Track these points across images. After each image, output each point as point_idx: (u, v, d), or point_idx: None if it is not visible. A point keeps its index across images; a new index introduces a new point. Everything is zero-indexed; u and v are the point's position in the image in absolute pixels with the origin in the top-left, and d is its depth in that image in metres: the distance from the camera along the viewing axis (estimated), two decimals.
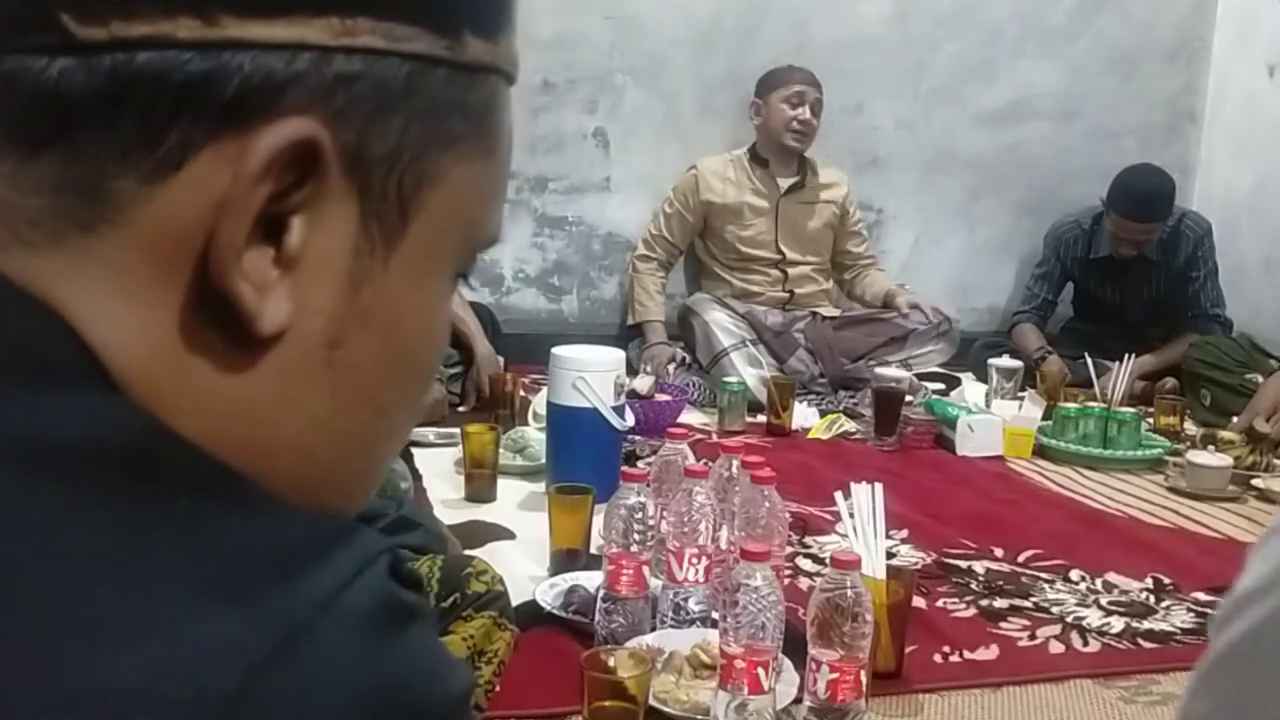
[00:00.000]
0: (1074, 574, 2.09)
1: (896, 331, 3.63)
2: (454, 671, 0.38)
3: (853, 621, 1.40)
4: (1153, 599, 1.99)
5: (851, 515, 1.67)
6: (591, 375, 2.28)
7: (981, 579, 2.05)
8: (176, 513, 0.35)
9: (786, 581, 1.87)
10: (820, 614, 1.41)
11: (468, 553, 1.76)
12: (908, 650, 1.65)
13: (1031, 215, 4.19)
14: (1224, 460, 2.71)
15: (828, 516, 2.26)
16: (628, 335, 3.71)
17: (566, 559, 1.91)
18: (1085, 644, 1.80)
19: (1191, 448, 2.88)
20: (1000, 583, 2.03)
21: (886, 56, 4.05)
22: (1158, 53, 4.31)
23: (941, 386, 3.49)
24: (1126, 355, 3.27)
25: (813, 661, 1.42)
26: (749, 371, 3.32)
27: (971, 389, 3.47)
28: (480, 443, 2.38)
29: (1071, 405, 3.10)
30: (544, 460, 2.42)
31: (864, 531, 1.64)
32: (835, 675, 1.40)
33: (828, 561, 1.50)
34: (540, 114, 3.74)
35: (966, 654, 1.73)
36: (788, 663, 1.51)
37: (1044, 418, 3.08)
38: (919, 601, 1.83)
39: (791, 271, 3.74)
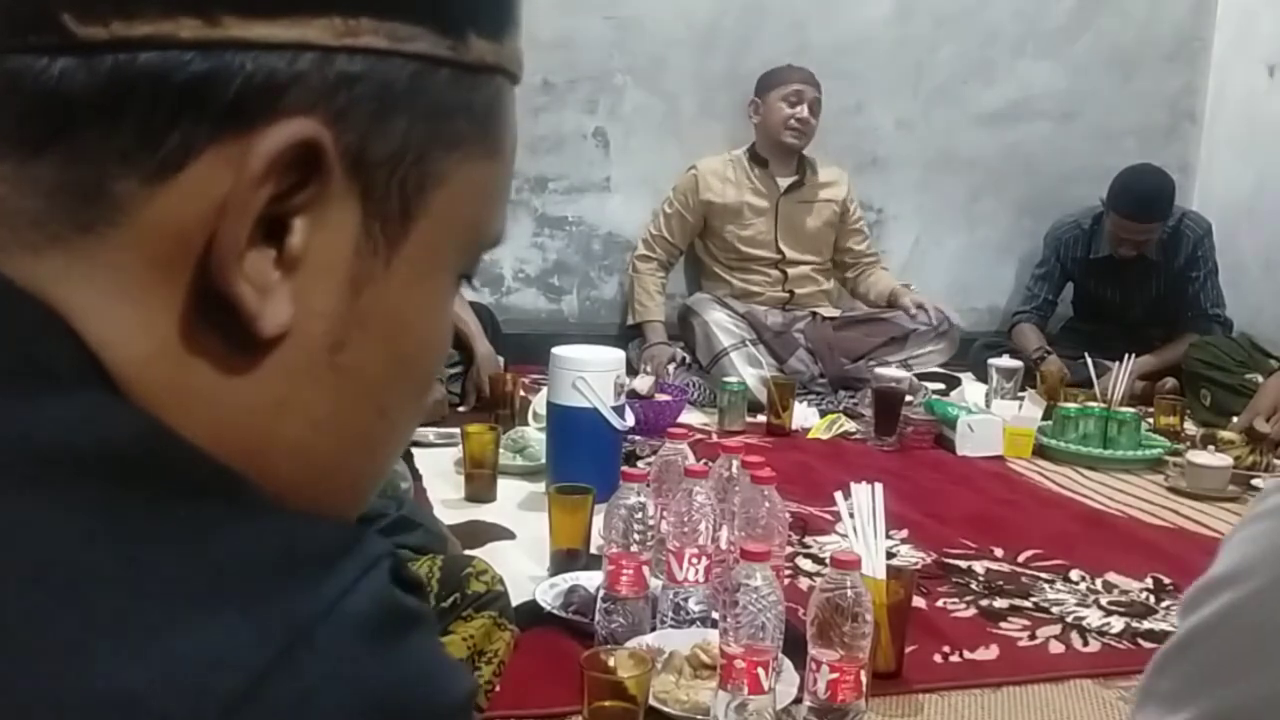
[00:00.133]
0: (1074, 574, 2.09)
1: (896, 331, 3.64)
2: (456, 677, 0.37)
3: (853, 621, 1.40)
4: (1153, 599, 1.99)
5: (851, 515, 1.67)
6: (591, 375, 2.28)
7: (981, 579, 2.05)
8: (177, 517, 0.34)
9: (786, 581, 1.87)
10: (820, 614, 1.41)
11: (468, 553, 1.76)
12: (908, 650, 1.65)
13: (1031, 215, 4.19)
14: (1224, 460, 2.71)
15: (828, 516, 2.26)
16: (628, 335, 3.71)
17: (566, 559, 1.91)
18: (1085, 644, 1.80)
19: (1191, 448, 2.88)
20: (1000, 583, 2.03)
21: (886, 56, 4.05)
22: (1158, 53, 4.31)
23: (941, 386, 3.49)
24: (1126, 355, 3.28)
25: (813, 661, 1.42)
26: (749, 371, 3.32)
27: (971, 389, 3.47)
28: (480, 443, 2.38)
29: (1071, 405, 3.10)
30: (544, 460, 2.42)
31: (864, 531, 1.64)
32: (835, 675, 1.40)
33: (828, 561, 1.50)
34: (540, 114, 3.73)
35: (966, 654, 1.73)
36: (788, 663, 1.51)
37: (1044, 418, 3.08)
38: (919, 601, 1.83)
39: (791, 271, 3.74)
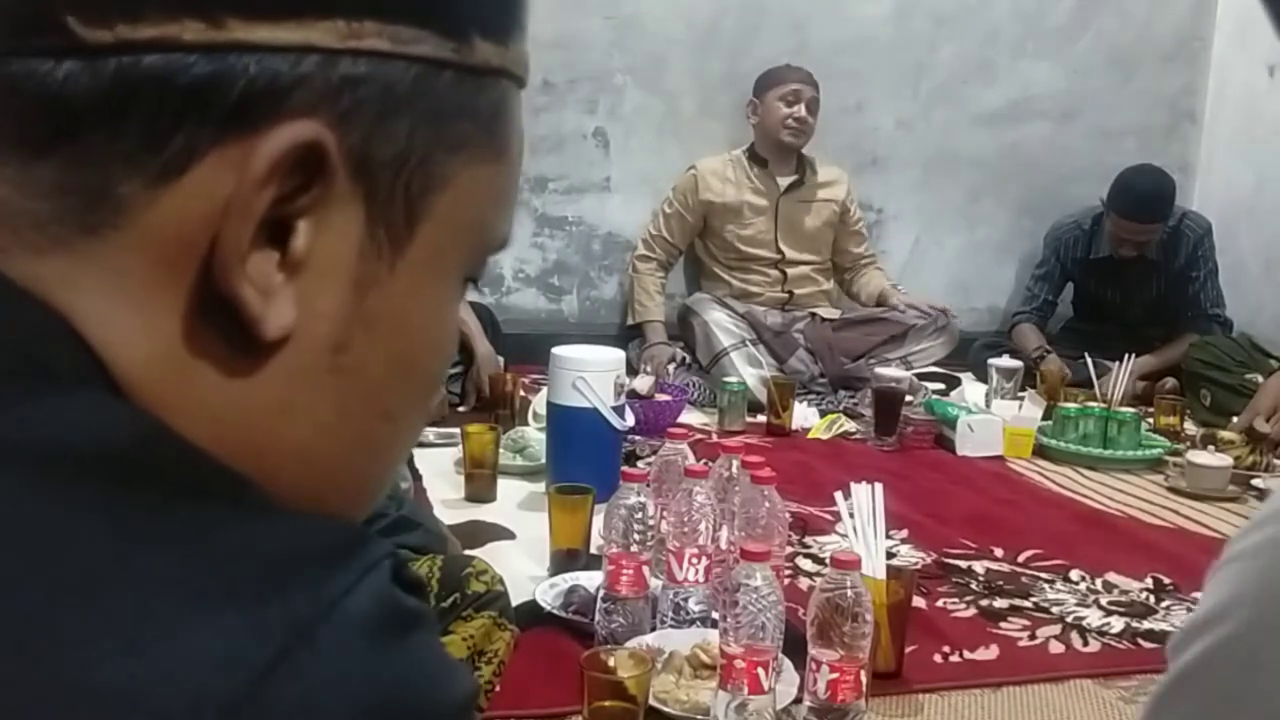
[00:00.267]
0: (1074, 574, 2.09)
1: (896, 329, 3.64)
2: (457, 677, 0.37)
3: (853, 621, 1.40)
4: (1153, 599, 1.99)
5: (851, 515, 1.67)
6: (591, 375, 2.28)
7: (981, 579, 2.05)
8: (178, 517, 0.34)
9: (786, 581, 1.87)
10: (820, 614, 1.41)
11: (468, 553, 1.76)
12: (908, 650, 1.65)
13: (1031, 215, 4.20)
14: (1224, 460, 2.71)
15: (828, 516, 2.26)
16: (628, 335, 3.71)
17: (566, 559, 1.91)
18: (1085, 644, 1.80)
19: (1191, 448, 2.88)
20: (1000, 583, 2.03)
21: (886, 56, 4.06)
22: (1158, 53, 4.31)
23: (941, 386, 3.49)
24: (1126, 355, 3.28)
25: (813, 661, 1.42)
26: (749, 371, 3.32)
27: (971, 389, 3.47)
28: (480, 443, 2.38)
29: (1071, 405, 3.10)
30: (544, 460, 2.42)
31: (864, 531, 1.64)
32: (835, 675, 1.40)
33: (828, 561, 1.50)
34: (540, 114, 3.73)
35: (966, 654, 1.73)
36: (788, 663, 1.51)
37: (1044, 418, 3.08)
38: (919, 601, 1.83)
39: (791, 271, 3.74)
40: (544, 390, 2.51)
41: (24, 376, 0.36)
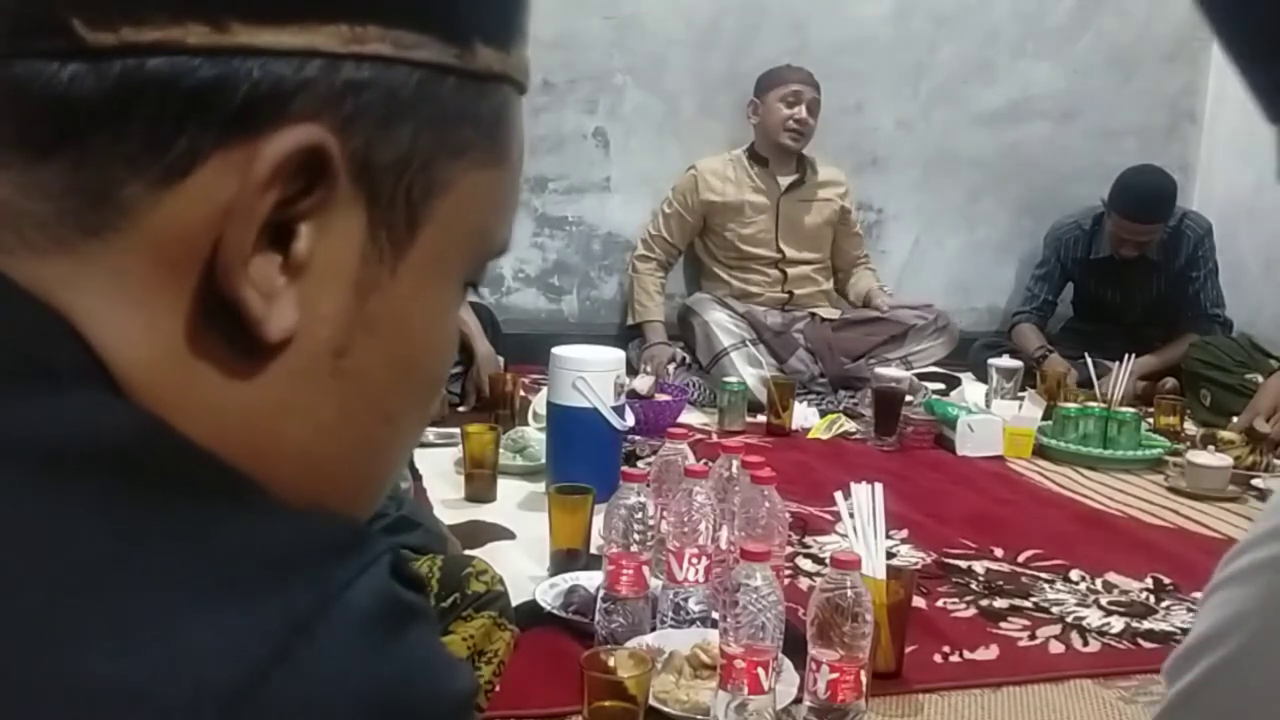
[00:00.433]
0: (1074, 574, 2.09)
1: (896, 329, 3.65)
2: (456, 673, 0.37)
3: (853, 621, 1.40)
4: (1153, 599, 1.99)
5: (851, 515, 1.67)
6: (591, 375, 2.28)
7: (981, 579, 2.05)
8: (178, 513, 0.35)
9: (786, 581, 1.87)
10: (820, 614, 1.41)
11: (468, 553, 1.76)
12: (908, 650, 1.65)
13: (1031, 215, 4.20)
14: (1224, 460, 2.71)
15: (828, 516, 2.26)
16: (628, 335, 3.72)
17: (566, 559, 1.92)
18: (1085, 644, 1.80)
19: (1191, 448, 2.88)
20: (1000, 583, 2.03)
21: (886, 56, 4.06)
22: (1158, 53, 4.31)
23: (941, 386, 3.50)
24: (1126, 355, 3.28)
25: (813, 661, 1.42)
26: (749, 371, 3.32)
27: (971, 389, 3.47)
28: (480, 443, 2.38)
29: (1071, 405, 3.10)
30: (544, 460, 2.42)
31: (864, 531, 1.65)
32: (835, 675, 1.40)
33: (828, 561, 1.50)
34: (540, 114, 3.74)
35: (966, 654, 1.74)
36: (788, 663, 1.51)
37: (1044, 418, 3.08)
38: (919, 601, 1.83)
39: (791, 271, 3.74)
40: (544, 390, 2.51)
41: (25, 376, 0.36)
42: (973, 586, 2.01)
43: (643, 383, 2.96)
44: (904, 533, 2.25)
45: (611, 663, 1.43)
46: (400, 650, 0.35)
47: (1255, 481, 2.70)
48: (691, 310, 3.57)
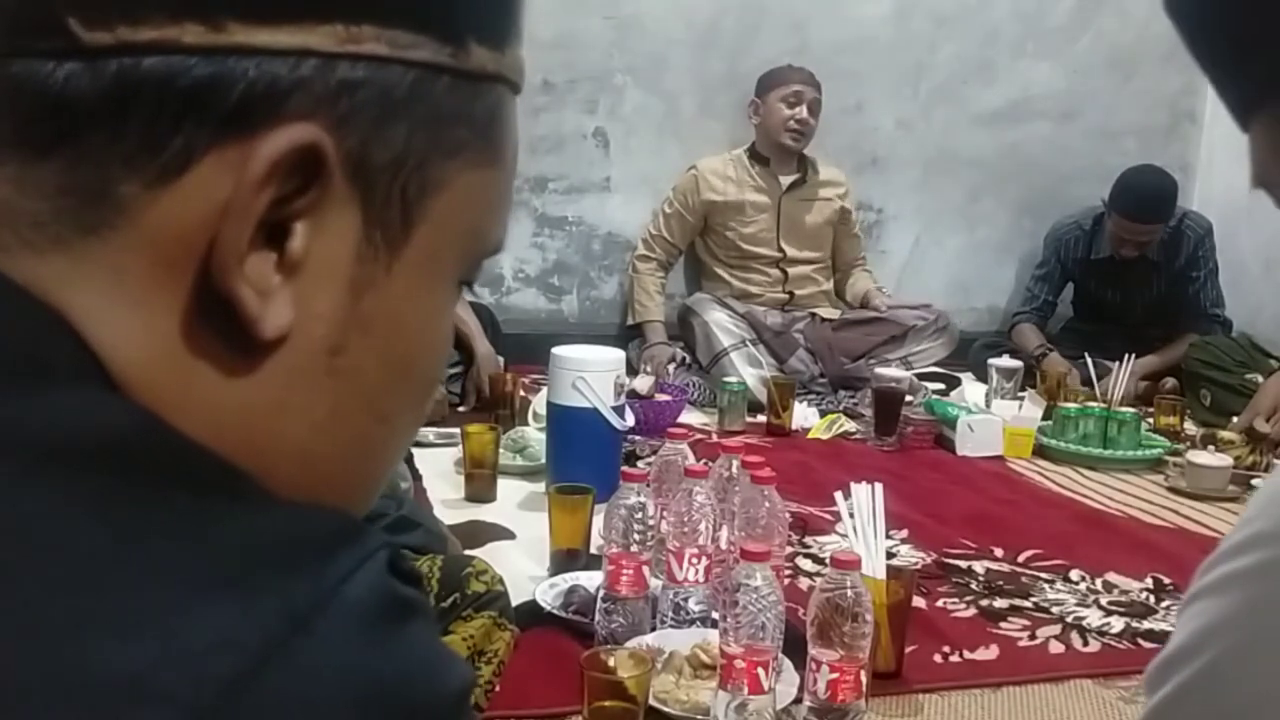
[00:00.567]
0: (1074, 574, 2.09)
1: (895, 330, 3.65)
2: (453, 667, 0.38)
3: (853, 621, 1.40)
4: (1153, 599, 1.99)
5: (851, 515, 1.67)
6: (591, 375, 2.28)
7: (981, 579, 2.05)
8: (176, 509, 0.35)
9: (786, 581, 1.87)
10: (820, 614, 1.41)
11: (468, 553, 1.76)
12: (908, 650, 1.65)
13: (1031, 215, 4.20)
14: (1224, 460, 2.71)
15: (828, 516, 2.26)
16: (628, 335, 3.72)
17: (566, 559, 1.92)
18: (1085, 644, 1.80)
19: (1191, 448, 2.88)
20: (1000, 583, 2.03)
21: (886, 56, 4.06)
22: (1158, 53, 4.31)
23: (941, 386, 3.50)
24: (1126, 356, 3.28)
25: (813, 661, 1.42)
26: (749, 371, 3.32)
27: (971, 389, 3.47)
28: (480, 443, 2.38)
29: (1071, 405, 3.10)
30: (544, 460, 2.42)
31: (864, 531, 1.65)
32: (835, 675, 1.40)
33: (828, 561, 1.50)
34: (540, 114, 3.74)
35: (966, 654, 1.74)
36: (788, 663, 1.51)
37: (1044, 418, 3.08)
38: (919, 601, 1.83)
39: (791, 271, 3.74)
40: (544, 390, 2.51)
41: (23, 374, 0.36)
42: (973, 586, 2.01)
43: (643, 383, 2.96)
44: (904, 533, 2.25)
45: (611, 663, 1.43)
46: (397, 645, 0.35)
47: (1255, 481, 2.70)
48: (691, 310, 3.57)
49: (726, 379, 3.17)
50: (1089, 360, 3.37)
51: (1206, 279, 3.77)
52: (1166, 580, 2.07)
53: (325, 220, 0.39)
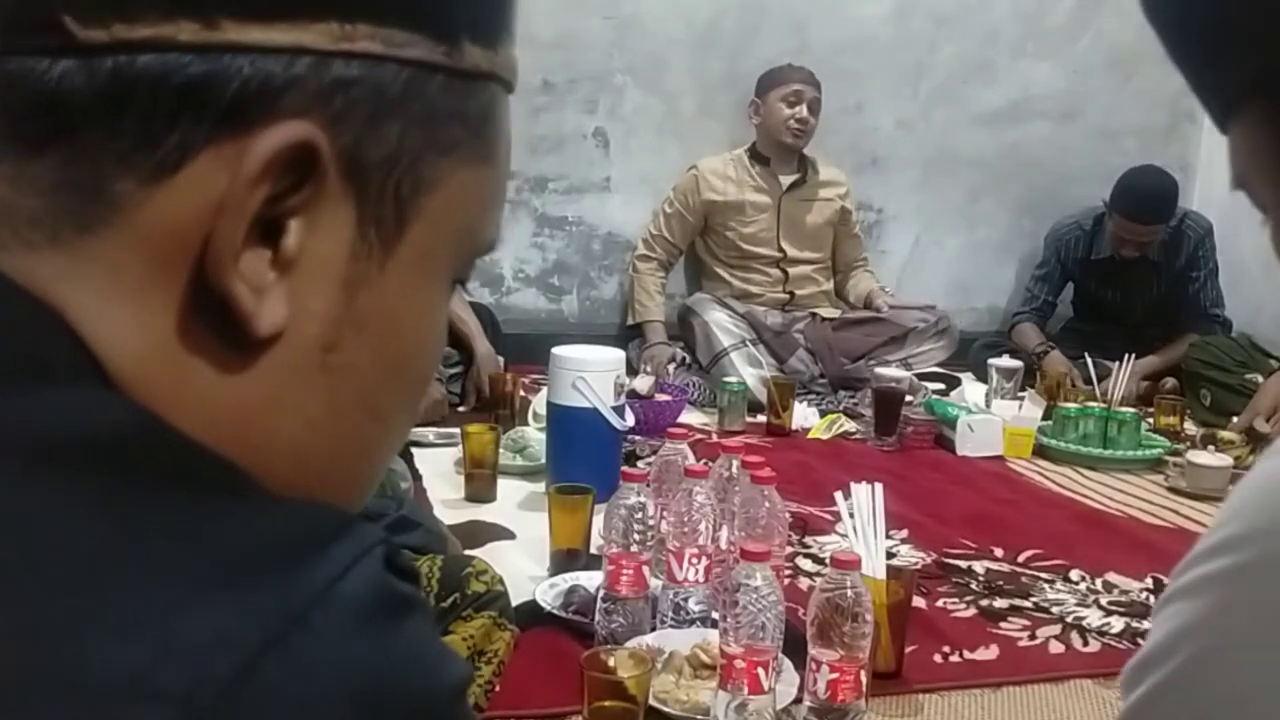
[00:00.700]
0: (1074, 574, 2.09)
1: (896, 331, 3.65)
2: (450, 663, 0.38)
3: (853, 621, 1.40)
4: (1153, 599, 1.99)
5: (851, 515, 1.67)
6: (591, 375, 2.28)
7: (981, 579, 2.05)
8: (172, 505, 0.35)
9: (786, 581, 1.87)
10: (820, 614, 1.41)
11: (468, 553, 1.76)
12: (908, 650, 1.65)
13: (1031, 215, 4.20)
14: (1224, 460, 2.71)
15: (828, 516, 2.26)
16: (628, 335, 3.71)
17: (566, 559, 1.91)
18: (1085, 644, 1.80)
19: (1191, 448, 2.88)
20: (1000, 583, 2.03)
21: (886, 56, 4.06)
22: (1158, 53, 4.18)
23: (941, 386, 3.50)
24: (1127, 356, 3.28)
25: (813, 661, 1.42)
26: (749, 371, 3.32)
27: (971, 389, 3.47)
28: (480, 443, 2.38)
29: (1071, 405, 3.10)
30: (544, 460, 2.42)
31: (864, 531, 1.64)
32: (835, 675, 1.40)
33: (828, 561, 1.50)
34: (540, 114, 3.74)
35: (966, 654, 1.73)
36: (788, 663, 1.51)
37: (1044, 418, 3.08)
38: (919, 601, 1.83)
39: (792, 271, 3.74)
40: (544, 390, 2.51)
41: (19, 371, 0.36)
42: (973, 586, 2.01)
43: (643, 383, 2.96)
44: (904, 533, 2.25)
45: (611, 663, 1.42)
46: (394, 640, 0.35)
47: None
48: (691, 310, 3.57)
49: (726, 379, 3.17)
50: (1089, 360, 3.37)
51: (1206, 279, 3.77)
52: (1166, 580, 2.06)
53: (319, 217, 0.39)
